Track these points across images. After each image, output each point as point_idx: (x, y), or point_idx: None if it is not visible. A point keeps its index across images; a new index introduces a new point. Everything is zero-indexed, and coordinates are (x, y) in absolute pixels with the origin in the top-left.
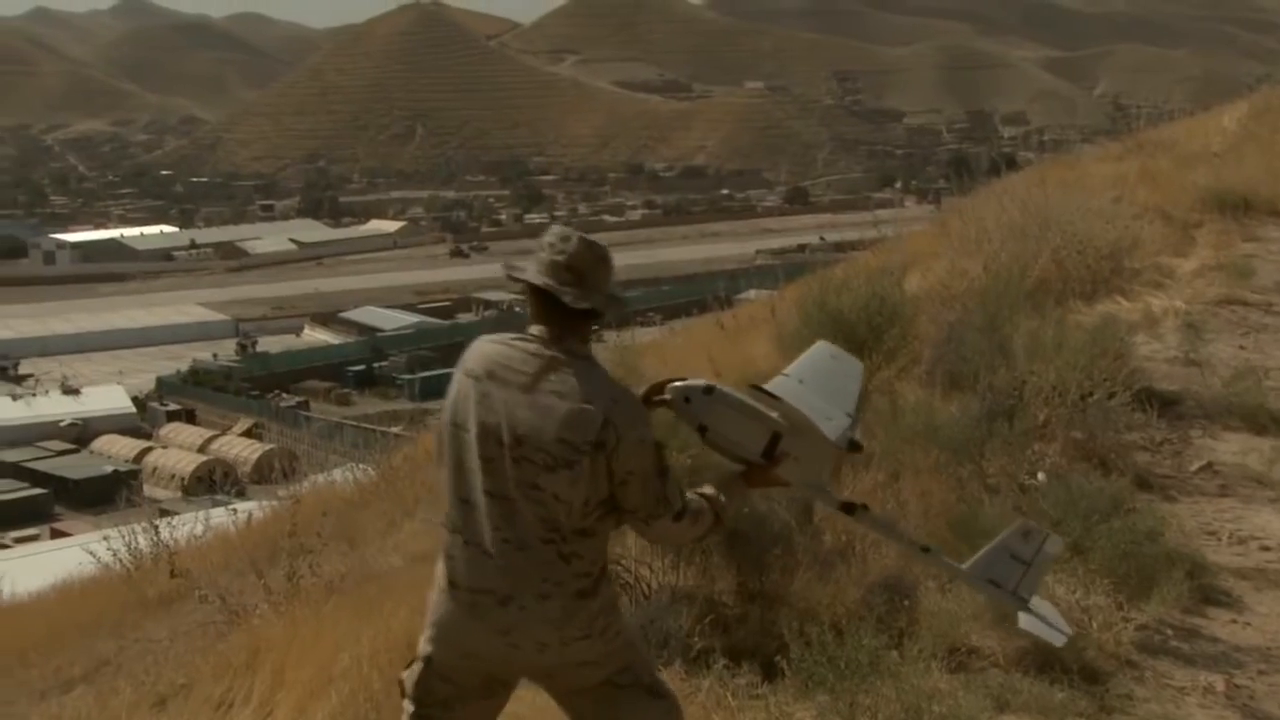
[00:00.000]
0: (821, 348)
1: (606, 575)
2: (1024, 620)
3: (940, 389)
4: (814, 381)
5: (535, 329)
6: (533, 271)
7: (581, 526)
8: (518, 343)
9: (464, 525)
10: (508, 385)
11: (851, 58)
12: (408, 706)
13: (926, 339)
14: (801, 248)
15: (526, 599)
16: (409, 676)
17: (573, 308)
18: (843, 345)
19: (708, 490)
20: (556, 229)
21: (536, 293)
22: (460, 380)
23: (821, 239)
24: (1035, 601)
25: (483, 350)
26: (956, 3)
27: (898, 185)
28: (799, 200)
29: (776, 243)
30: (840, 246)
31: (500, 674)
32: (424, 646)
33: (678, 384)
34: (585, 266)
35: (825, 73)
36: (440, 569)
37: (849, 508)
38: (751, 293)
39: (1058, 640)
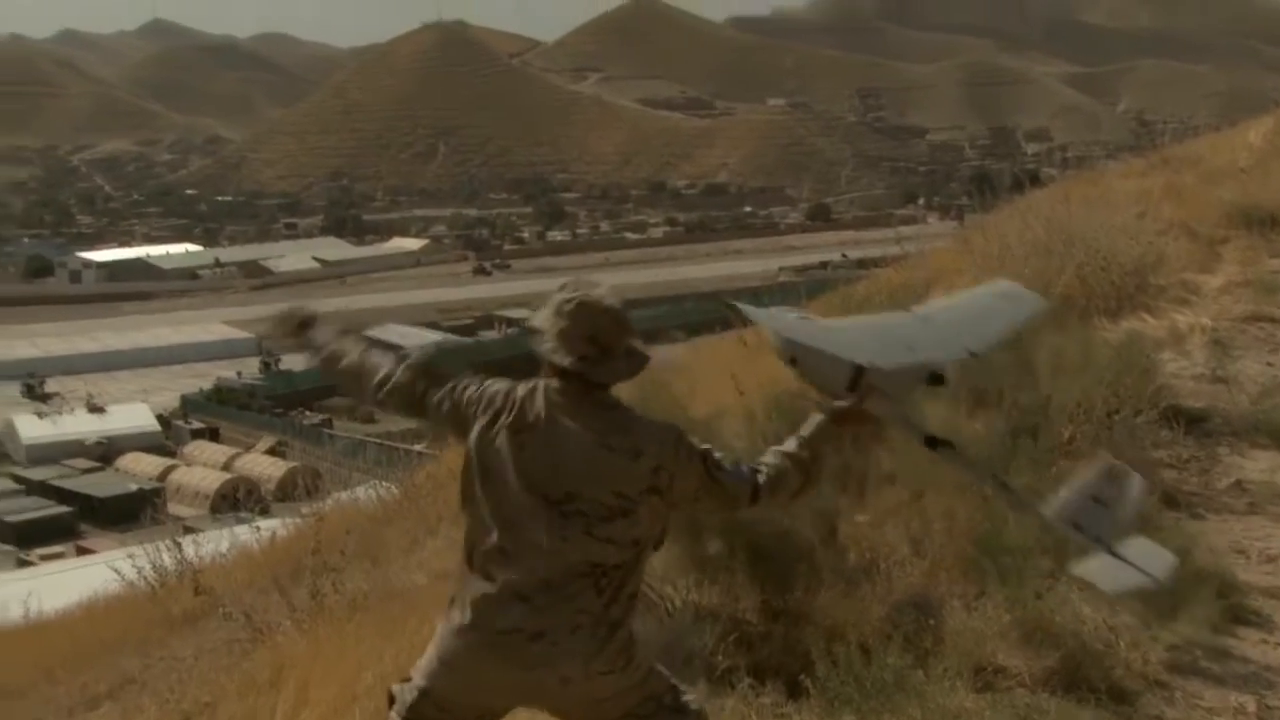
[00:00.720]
0: (991, 285)
1: (634, 606)
2: (1084, 568)
3: (964, 406)
4: (944, 316)
5: (556, 383)
6: (552, 346)
7: (622, 560)
8: (550, 394)
9: (497, 572)
10: (548, 438)
11: (874, 74)
12: (393, 718)
13: None
14: (824, 265)
15: (558, 633)
16: (400, 695)
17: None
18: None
19: (790, 447)
20: (570, 294)
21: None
22: (485, 427)
23: (844, 256)
24: (1124, 544)
25: (511, 397)
26: (979, 19)
27: (920, 202)
28: (821, 217)
29: (799, 260)
30: (863, 263)
31: (503, 708)
32: (421, 679)
33: (774, 314)
34: (607, 337)
35: (848, 89)
36: (460, 613)
37: (932, 442)
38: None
39: (1150, 584)
